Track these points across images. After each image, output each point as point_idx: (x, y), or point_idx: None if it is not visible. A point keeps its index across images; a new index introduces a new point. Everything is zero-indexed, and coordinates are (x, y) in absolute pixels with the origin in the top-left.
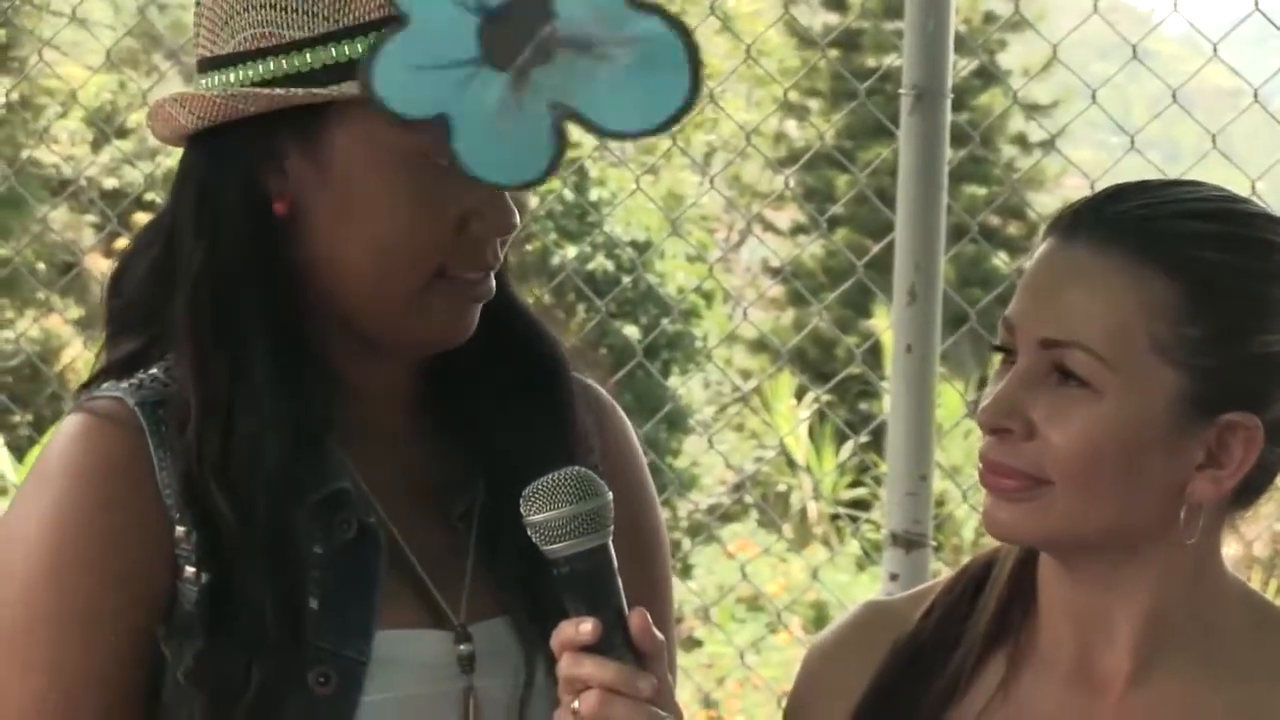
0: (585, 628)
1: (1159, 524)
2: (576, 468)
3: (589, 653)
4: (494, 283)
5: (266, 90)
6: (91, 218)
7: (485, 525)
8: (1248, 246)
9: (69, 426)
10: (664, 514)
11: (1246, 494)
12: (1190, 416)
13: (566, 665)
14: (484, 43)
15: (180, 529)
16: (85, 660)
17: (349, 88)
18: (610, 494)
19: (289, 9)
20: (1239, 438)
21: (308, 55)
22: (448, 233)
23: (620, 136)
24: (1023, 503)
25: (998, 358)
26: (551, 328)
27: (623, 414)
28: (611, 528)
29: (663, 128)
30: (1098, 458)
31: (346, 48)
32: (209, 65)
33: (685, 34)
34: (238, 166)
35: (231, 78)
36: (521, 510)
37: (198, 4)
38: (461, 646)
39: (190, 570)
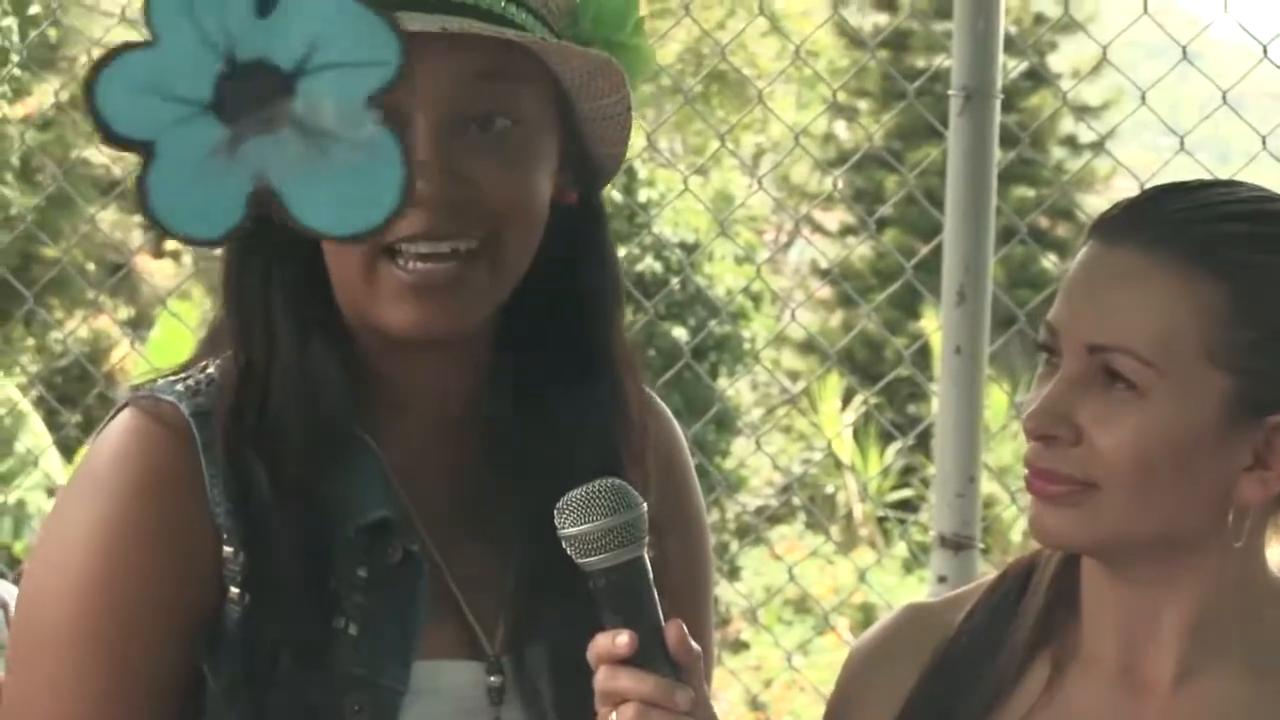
0: (622, 640)
1: (1206, 527)
2: (611, 479)
3: (626, 665)
4: (474, 275)
5: None
6: (140, 218)
7: (532, 549)
8: (1269, 223)
9: (123, 425)
10: (712, 516)
11: None
12: (1237, 419)
13: (603, 678)
14: (218, 91)
15: (228, 549)
16: (129, 670)
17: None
18: (645, 505)
19: None
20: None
21: None
22: None
23: (314, 234)
24: (1070, 508)
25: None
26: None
27: (675, 426)
28: (647, 539)
29: (352, 238)
30: (1146, 461)
31: None
32: None
33: (402, 146)
34: None
35: None
36: (556, 523)
37: None
38: (492, 678)
39: (235, 590)
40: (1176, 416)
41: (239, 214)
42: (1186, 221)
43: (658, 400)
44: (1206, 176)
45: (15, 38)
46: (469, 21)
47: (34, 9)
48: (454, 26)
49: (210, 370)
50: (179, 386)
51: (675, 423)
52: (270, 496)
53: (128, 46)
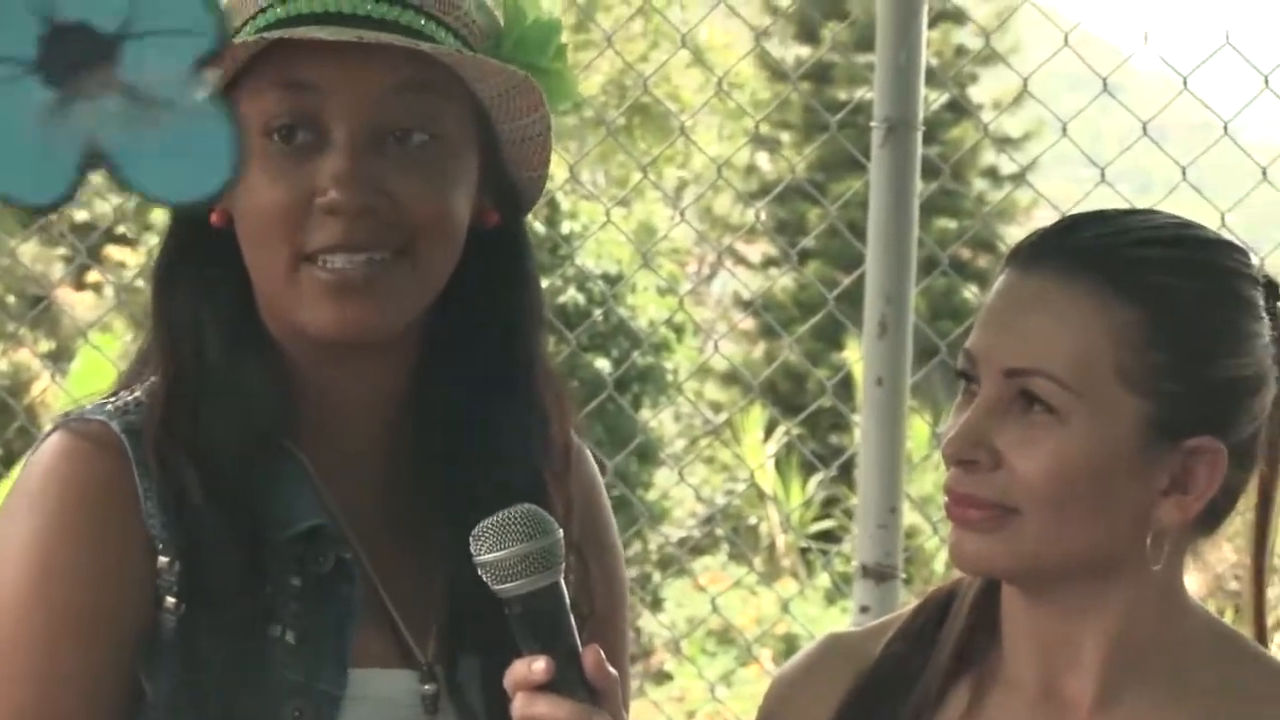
0: (538, 666)
1: (1125, 551)
2: (526, 505)
3: (543, 691)
4: (392, 278)
5: None
6: (62, 250)
7: (460, 563)
8: (1208, 272)
9: (54, 445)
10: (635, 547)
11: (1210, 519)
12: (1156, 442)
13: (521, 704)
14: (42, 51)
15: (163, 560)
16: (68, 680)
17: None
18: (561, 531)
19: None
20: (1204, 463)
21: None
22: (301, 209)
23: (151, 199)
24: (989, 533)
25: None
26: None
27: (588, 456)
28: (563, 565)
29: (186, 204)
30: (1064, 485)
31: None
32: None
33: (231, 115)
34: None
35: None
36: (471, 550)
37: None
38: (426, 686)
39: (171, 601)
40: (1094, 440)
41: (71, 178)
42: (1101, 247)
43: (579, 442)
44: (1125, 207)
45: None
46: (387, 35)
47: None
48: (370, 38)
49: (137, 393)
50: (108, 407)
51: (588, 452)
52: (203, 507)
53: None
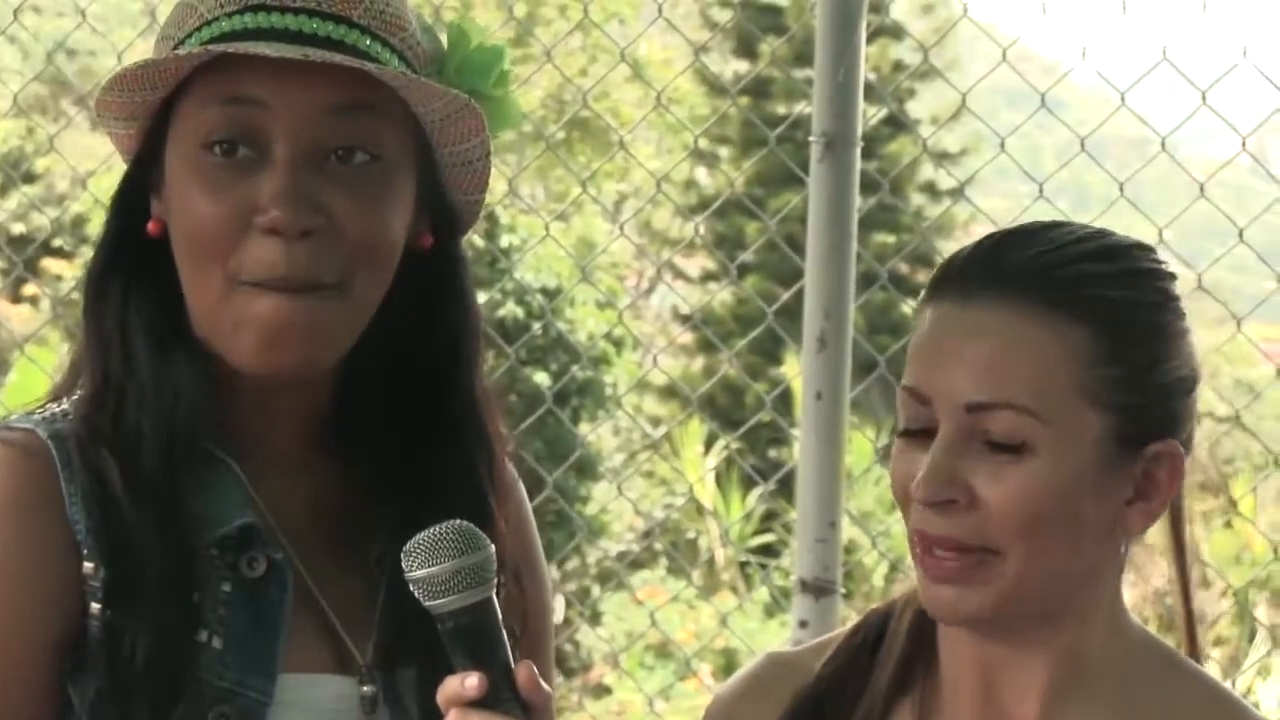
0: (471, 682)
1: (1098, 567)
2: (457, 521)
3: (476, 708)
4: (327, 309)
5: (100, 101)
6: None
7: (395, 571)
8: (1140, 280)
9: None
10: (573, 561)
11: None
12: (1119, 454)
13: None
14: None
15: (88, 565)
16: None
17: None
18: (493, 547)
19: (163, 40)
20: (1164, 467)
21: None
22: (233, 226)
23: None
24: (968, 584)
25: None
26: (495, 413)
27: (518, 480)
28: (495, 581)
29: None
30: (1042, 515)
31: (170, 59)
32: None
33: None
34: (122, 198)
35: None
36: (403, 566)
37: None
38: (365, 688)
39: (96, 606)
40: (1064, 461)
41: None
42: (1037, 269)
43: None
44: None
45: None
46: (334, 55)
47: None
48: (317, 57)
49: (65, 405)
50: (36, 416)
51: (516, 475)
52: (130, 511)
53: None
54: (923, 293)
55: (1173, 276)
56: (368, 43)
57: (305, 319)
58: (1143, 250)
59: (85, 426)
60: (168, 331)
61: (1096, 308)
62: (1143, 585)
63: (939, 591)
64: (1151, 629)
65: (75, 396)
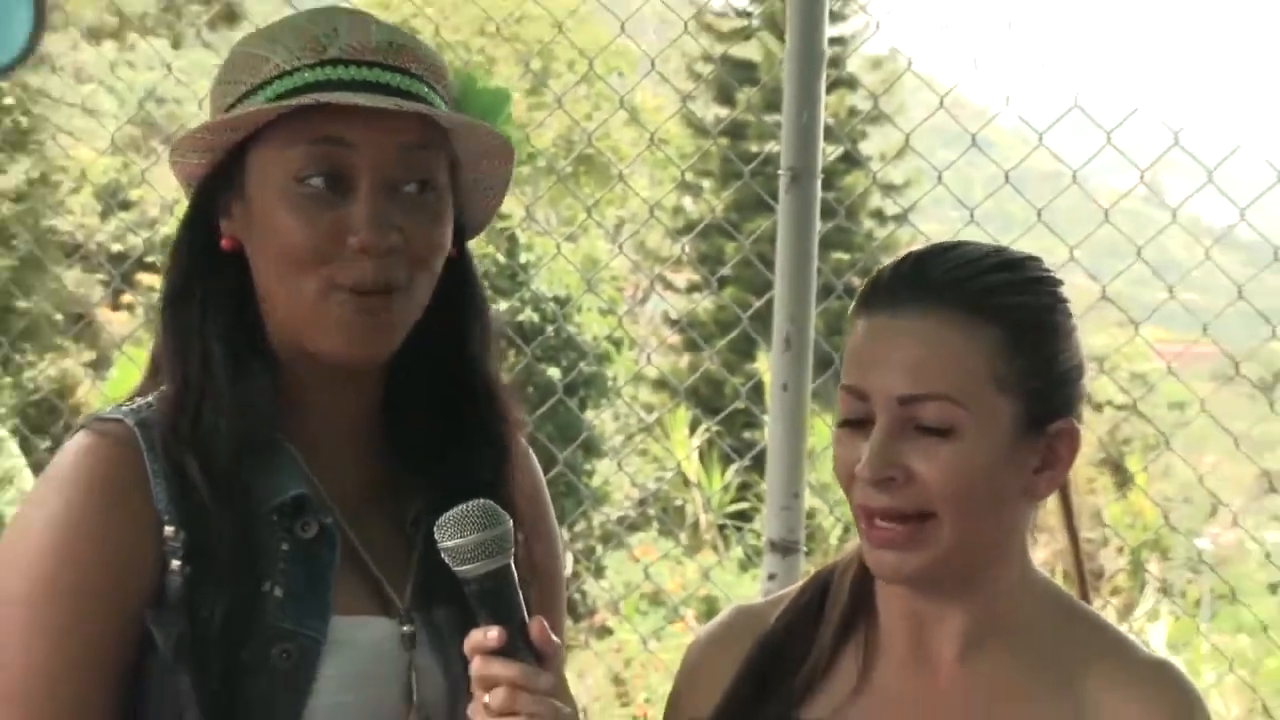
0: (492, 635)
1: (1013, 527)
2: (482, 500)
3: (496, 656)
4: (398, 307)
5: (184, 140)
6: (100, 276)
7: (427, 534)
8: (1036, 287)
9: (77, 442)
10: (580, 525)
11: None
12: (1027, 433)
13: (478, 666)
14: None
15: (169, 529)
16: (82, 634)
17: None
18: (511, 521)
19: (229, 84)
20: (1064, 440)
21: (235, 114)
22: (328, 244)
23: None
24: (908, 549)
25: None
26: (510, 396)
27: (529, 451)
28: (513, 549)
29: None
30: (970, 485)
31: (249, 103)
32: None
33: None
34: (195, 219)
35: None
36: (435, 537)
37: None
38: (405, 628)
39: (176, 563)
40: (983, 440)
41: None
42: (955, 281)
43: (521, 440)
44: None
45: None
46: (412, 104)
47: (8, 100)
48: (408, 107)
49: (150, 398)
50: (124, 408)
51: (532, 453)
52: (204, 487)
53: None
54: (854, 305)
55: (1060, 282)
56: (425, 90)
57: (385, 318)
58: (1035, 261)
59: (167, 424)
60: (243, 339)
61: (1004, 312)
62: (1054, 544)
63: (882, 556)
64: (1059, 579)
65: (159, 392)
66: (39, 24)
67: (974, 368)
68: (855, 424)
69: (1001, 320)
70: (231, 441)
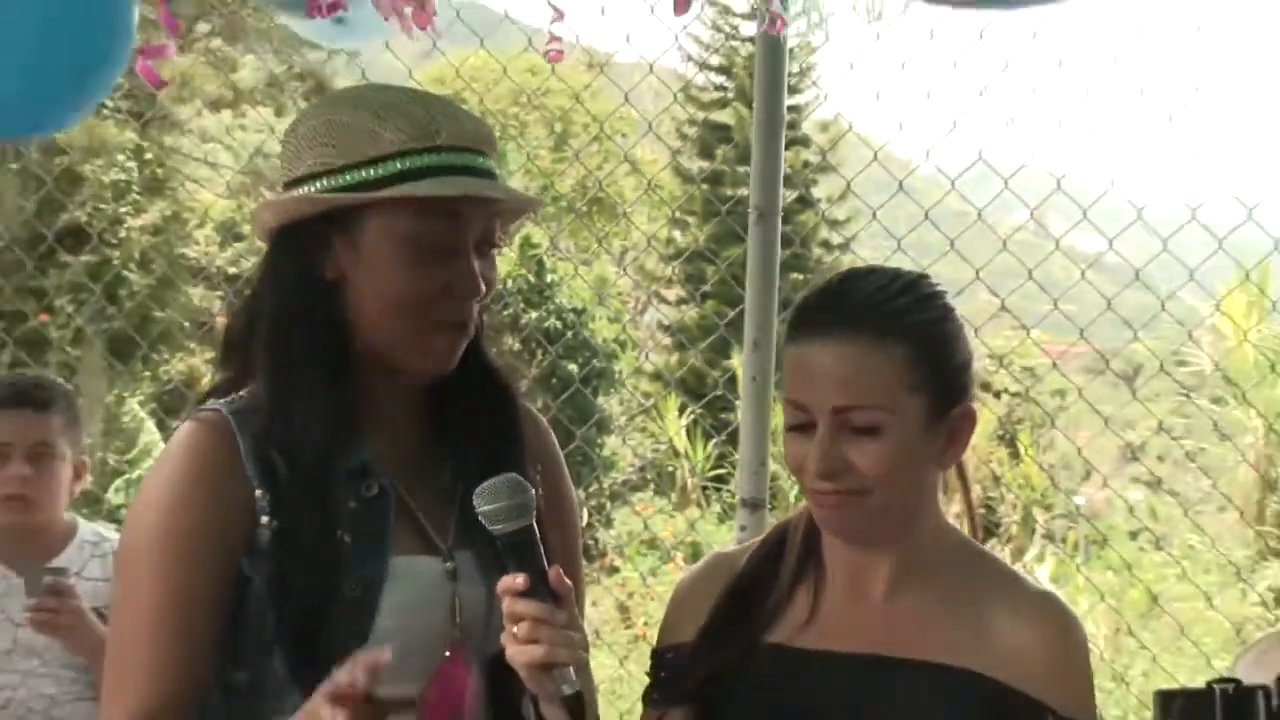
0: (519, 580)
1: (927, 491)
2: (511, 474)
3: (522, 597)
4: (471, 331)
5: (322, 196)
6: (219, 293)
7: (463, 491)
8: (930, 303)
9: (185, 428)
10: (594, 485)
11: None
12: (934, 421)
13: (507, 605)
14: None
15: (258, 492)
16: (192, 575)
17: (372, 195)
18: (533, 490)
19: (332, 147)
20: (963, 421)
21: (347, 176)
22: (435, 294)
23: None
24: (848, 509)
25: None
26: (513, 378)
27: (549, 430)
28: (535, 512)
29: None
30: (894, 468)
31: (370, 171)
32: (285, 185)
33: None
34: (298, 250)
35: (297, 192)
36: (474, 503)
37: (281, 144)
38: (448, 564)
39: (265, 519)
40: (902, 433)
41: None
42: (868, 309)
43: (540, 417)
44: (913, 268)
45: (135, 174)
46: (504, 189)
47: (148, 156)
48: (502, 193)
49: (243, 393)
50: (220, 402)
51: (551, 432)
52: (288, 470)
53: None
54: (788, 329)
55: (946, 293)
56: (493, 166)
57: (461, 343)
58: (927, 280)
59: (261, 422)
60: (334, 355)
61: (909, 331)
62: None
63: (827, 517)
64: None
65: (251, 387)
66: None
67: (891, 379)
68: (799, 428)
69: (908, 339)
70: (320, 444)
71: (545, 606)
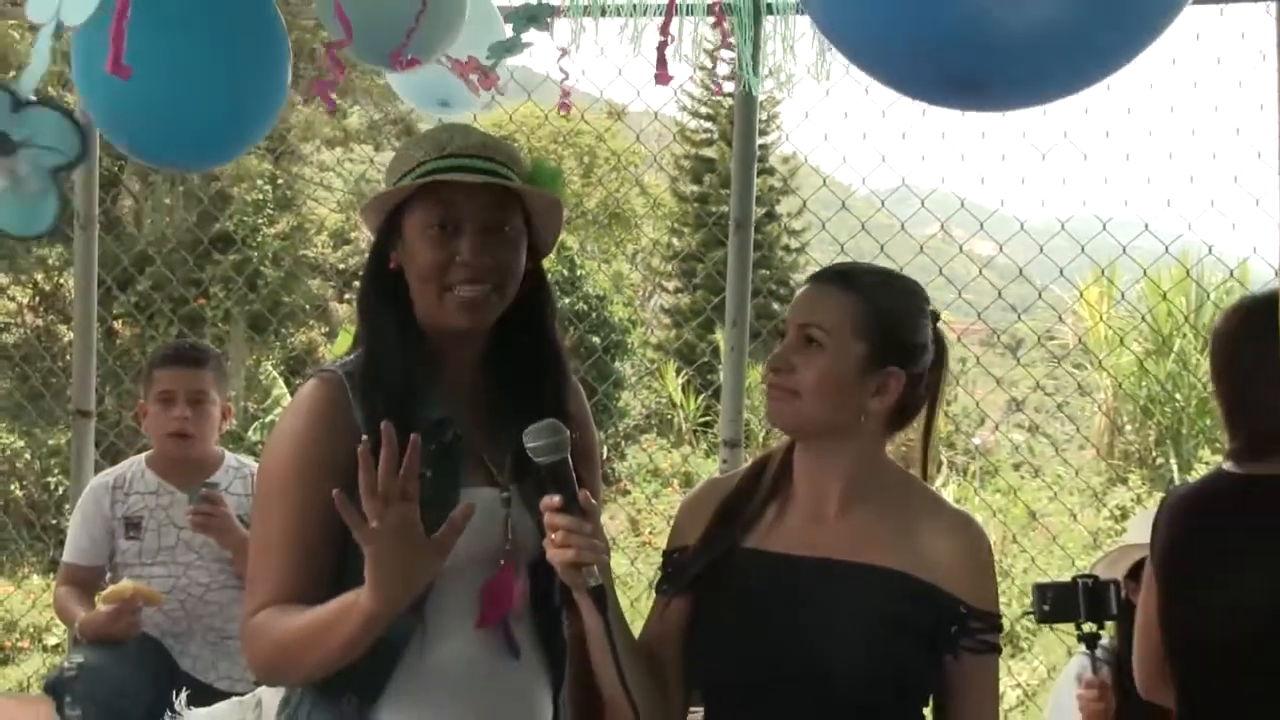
0: (556, 500)
1: (853, 424)
2: (551, 419)
3: (559, 513)
4: (489, 297)
5: (372, 201)
6: (332, 284)
7: (516, 438)
8: (903, 293)
9: (308, 384)
10: (610, 429)
11: (901, 417)
12: (870, 367)
13: (547, 519)
14: None
15: (365, 437)
16: (315, 500)
17: (392, 189)
18: (568, 432)
19: (393, 170)
20: (891, 380)
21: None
22: (446, 262)
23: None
24: (785, 404)
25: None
26: (567, 355)
27: (581, 389)
28: (569, 448)
29: (22, 238)
30: (822, 384)
31: (403, 180)
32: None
33: (60, 198)
34: (375, 249)
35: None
36: (523, 440)
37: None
38: (503, 494)
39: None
40: (839, 362)
41: (52, 218)
42: (849, 276)
43: (577, 383)
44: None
45: (270, 194)
46: (491, 178)
47: (279, 181)
48: (498, 182)
49: (352, 357)
50: (336, 364)
51: (581, 388)
52: (385, 411)
53: None
54: (807, 279)
55: (926, 300)
56: (505, 170)
57: (480, 301)
58: (910, 282)
59: (361, 377)
60: (407, 327)
61: (872, 294)
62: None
63: (770, 407)
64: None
65: (358, 353)
66: (61, 210)
67: (841, 316)
68: (780, 340)
69: (867, 299)
70: (402, 389)
71: (576, 520)
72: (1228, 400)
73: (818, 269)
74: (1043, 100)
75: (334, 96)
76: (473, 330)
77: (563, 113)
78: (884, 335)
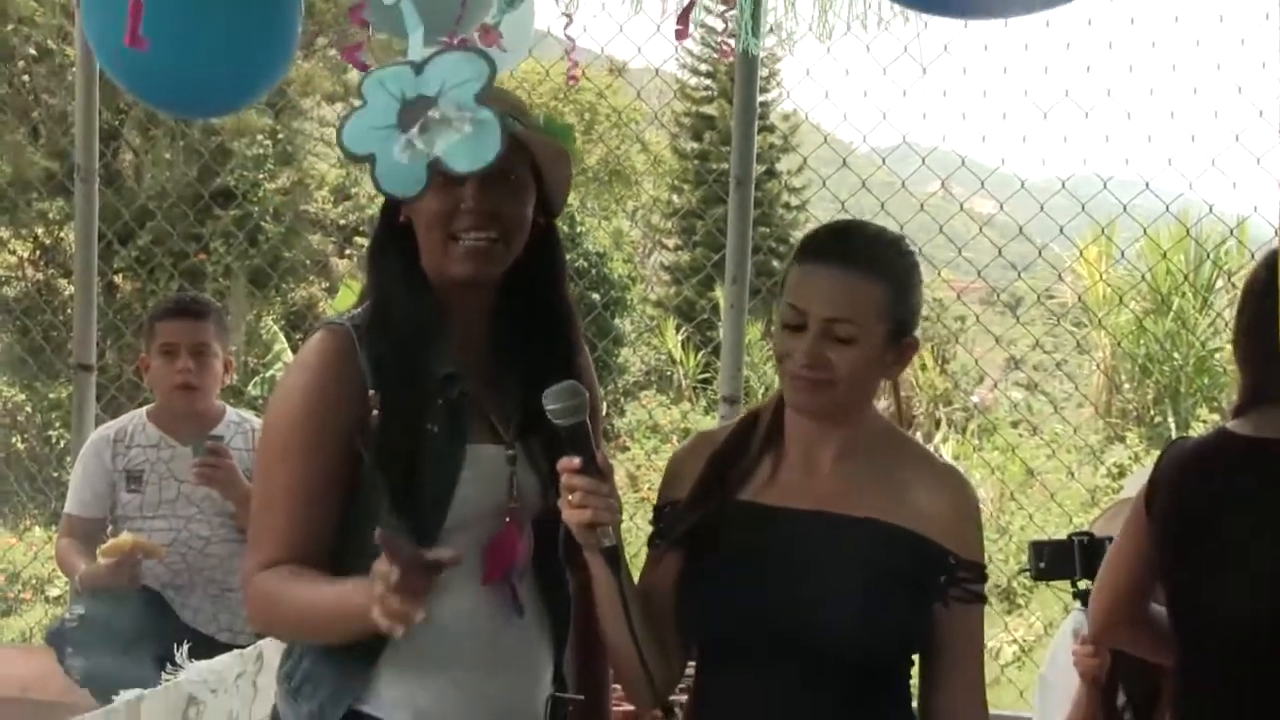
0: (575, 461)
1: (872, 392)
2: (570, 381)
3: (577, 474)
4: (494, 248)
5: None
6: (332, 239)
7: (523, 395)
8: (907, 258)
9: (316, 336)
10: (610, 385)
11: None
12: (892, 343)
13: (565, 479)
14: (399, 117)
15: (371, 391)
16: (320, 453)
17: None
18: (587, 393)
19: None
20: (909, 347)
21: None
22: (451, 210)
23: (458, 175)
24: (818, 394)
25: (778, 313)
26: (578, 316)
27: (586, 349)
28: (588, 410)
29: (486, 168)
30: (857, 372)
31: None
32: None
33: (504, 121)
34: (386, 206)
35: None
36: (543, 402)
37: None
38: (509, 451)
39: (375, 411)
40: (869, 349)
41: (422, 180)
42: (862, 250)
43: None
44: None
45: (270, 149)
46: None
47: (280, 136)
48: (505, 127)
49: (359, 310)
50: (344, 316)
51: (587, 352)
52: (393, 366)
53: (351, 110)
54: (798, 252)
55: (914, 251)
56: (510, 119)
57: (485, 249)
58: (905, 241)
59: (370, 328)
60: (412, 275)
61: (889, 274)
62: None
63: (801, 397)
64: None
65: (365, 305)
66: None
67: (869, 308)
68: (794, 327)
69: (887, 281)
70: (409, 345)
71: (593, 481)
72: (1252, 356)
73: (816, 225)
74: (1005, 13)
75: (362, 58)
76: (478, 280)
77: (572, 83)
78: (903, 311)
